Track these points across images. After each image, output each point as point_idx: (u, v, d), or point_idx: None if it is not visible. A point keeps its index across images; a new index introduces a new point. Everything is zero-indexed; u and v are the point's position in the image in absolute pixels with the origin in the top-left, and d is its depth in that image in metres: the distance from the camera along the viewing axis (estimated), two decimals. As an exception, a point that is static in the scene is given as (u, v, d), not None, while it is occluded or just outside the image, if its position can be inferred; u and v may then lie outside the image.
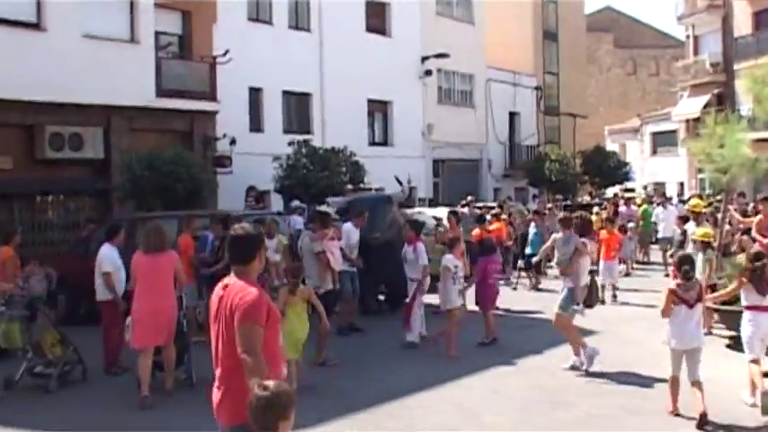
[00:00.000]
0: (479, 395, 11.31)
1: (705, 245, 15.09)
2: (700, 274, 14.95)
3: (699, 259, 15.17)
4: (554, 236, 14.18)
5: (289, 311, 11.29)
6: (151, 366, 11.43)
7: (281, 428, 4.65)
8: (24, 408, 11.17)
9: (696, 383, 9.84)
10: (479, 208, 25.81)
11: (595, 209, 28.49)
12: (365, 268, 16.80)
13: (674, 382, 10.08)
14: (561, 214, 16.53)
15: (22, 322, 12.62)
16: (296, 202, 22.83)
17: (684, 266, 10.12)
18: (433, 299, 15.73)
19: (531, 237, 22.78)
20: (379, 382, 12.19)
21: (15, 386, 11.96)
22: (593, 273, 13.58)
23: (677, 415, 9.95)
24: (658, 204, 28.12)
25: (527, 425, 9.87)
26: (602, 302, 17.12)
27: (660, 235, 25.99)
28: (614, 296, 19.47)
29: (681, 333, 9.92)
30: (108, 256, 13.22)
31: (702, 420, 9.50)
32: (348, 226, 16.84)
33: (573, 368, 12.51)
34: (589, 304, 13.25)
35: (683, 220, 19.50)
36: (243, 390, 5.27)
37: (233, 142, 28.09)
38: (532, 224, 23.48)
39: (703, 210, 19.31)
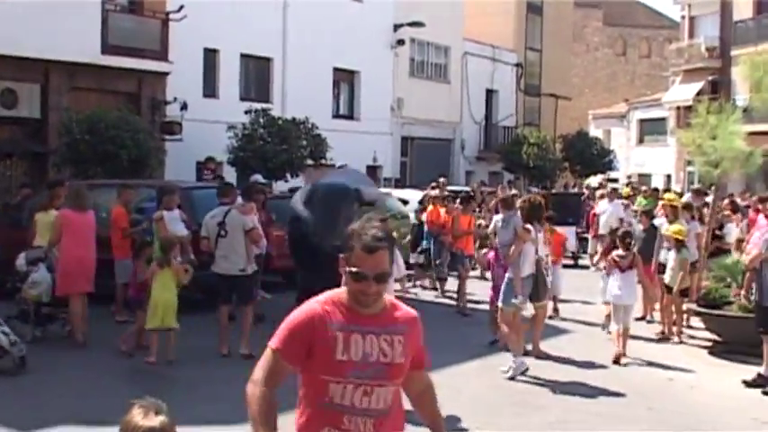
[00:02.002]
0: (446, 394, 11.26)
1: (679, 243, 15.12)
2: (669, 275, 15.08)
3: (671, 258, 15.24)
4: (495, 218, 14.39)
5: (155, 283, 12.60)
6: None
7: None
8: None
9: (626, 331, 13.50)
10: (452, 192, 25.55)
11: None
12: (306, 280, 14.73)
13: (620, 333, 13.37)
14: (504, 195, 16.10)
15: None
16: (257, 177, 22.65)
17: (627, 239, 14.05)
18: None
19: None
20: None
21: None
22: (539, 262, 13.35)
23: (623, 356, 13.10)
24: (602, 197, 26.93)
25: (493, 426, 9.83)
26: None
27: (601, 231, 23.82)
28: (555, 309, 17.27)
29: (617, 290, 13.49)
30: None
31: (618, 359, 13.05)
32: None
33: (511, 377, 12.16)
34: (536, 298, 13.39)
35: (648, 215, 18.82)
36: None
37: (184, 107, 27.82)
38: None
39: (678, 205, 19.16)
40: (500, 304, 12.76)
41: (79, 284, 13.49)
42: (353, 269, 4.37)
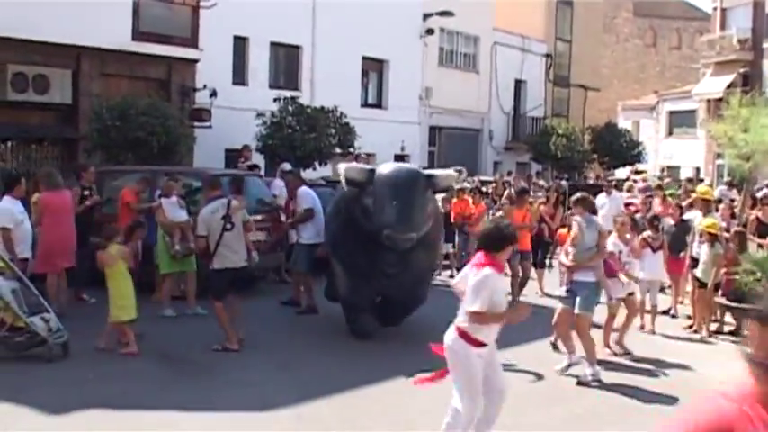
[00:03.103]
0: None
1: (712, 237, 15.06)
2: (702, 269, 15.04)
3: (703, 252, 15.20)
4: (577, 220, 12.62)
5: (111, 272, 12.57)
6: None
7: None
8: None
9: (653, 307, 15.32)
10: (482, 183, 25.44)
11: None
12: (351, 285, 14.00)
13: (643, 305, 14.96)
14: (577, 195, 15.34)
15: None
16: (286, 165, 22.71)
17: (655, 222, 15.83)
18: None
19: None
20: (359, 366, 12.27)
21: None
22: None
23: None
24: (630, 189, 26.37)
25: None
26: None
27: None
28: None
29: (647, 268, 15.06)
30: (6, 210, 13.73)
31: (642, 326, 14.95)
32: (305, 189, 16.71)
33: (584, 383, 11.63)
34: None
35: (680, 208, 18.35)
36: None
37: (213, 94, 27.85)
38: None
39: (712, 198, 18.93)
40: (579, 311, 11.78)
41: (60, 262, 14.55)
42: None
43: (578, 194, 12.84)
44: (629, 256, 13.68)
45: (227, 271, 12.95)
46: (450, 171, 14.17)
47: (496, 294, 8.04)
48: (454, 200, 20.62)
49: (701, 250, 15.34)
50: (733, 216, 18.11)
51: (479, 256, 8.19)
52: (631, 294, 13.74)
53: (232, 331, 12.82)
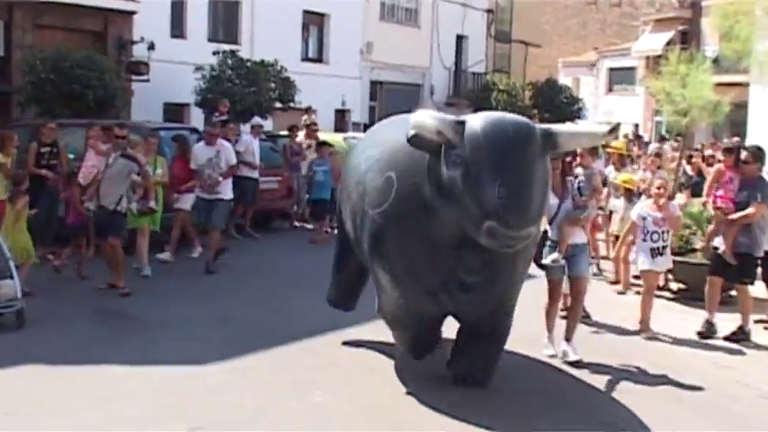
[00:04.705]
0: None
1: (629, 192, 15.15)
2: (619, 224, 15.08)
3: (620, 207, 15.29)
4: (580, 173, 11.97)
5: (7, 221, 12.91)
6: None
7: None
8: None
9: None
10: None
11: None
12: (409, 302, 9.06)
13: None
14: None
15: None
16: (256, 120, 22.60)
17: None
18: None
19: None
20: (302, 314, 12.39)
21: None
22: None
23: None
24: None
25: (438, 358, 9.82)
26: None
27: None
28: None
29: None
30: None
31: None
32: (198, 147, 16.45)
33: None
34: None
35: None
36: None
37: (151, 47, 27.77)
38: None
39: (626, 153, 18.96)
40: (585, 274, 11.25)
41: None
42: None
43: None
44: None
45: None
46: (588, 126, 9.88)
47: None
48: None
49: (618, 204, 15.45)
50: (660, 167, 18.22)
51: None
52: None
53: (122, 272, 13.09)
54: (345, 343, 11.02)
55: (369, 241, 8.94)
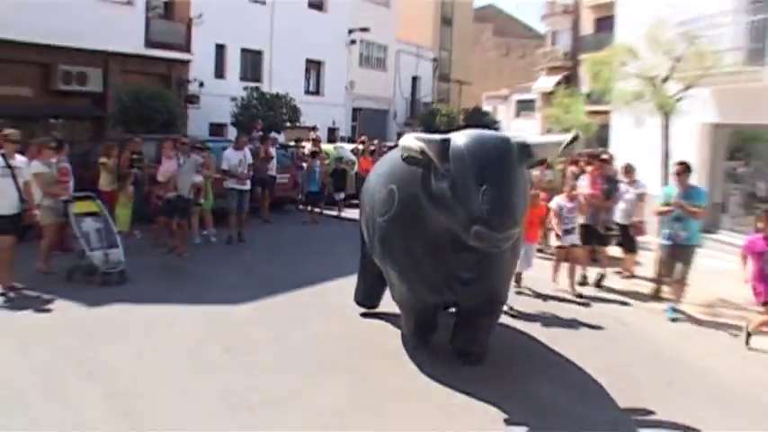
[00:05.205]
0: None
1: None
2: None
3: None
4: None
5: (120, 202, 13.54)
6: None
7: None
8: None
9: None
10: (384, 147, 25.50)
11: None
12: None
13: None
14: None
15: None
16: (273, 135, 22.46)
17: None
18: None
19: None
20: (304, 270, 12.32)
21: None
22: None
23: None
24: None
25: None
26: None
27: None
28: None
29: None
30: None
31: None
32: (228, 152, 15.46)
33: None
34: None
35: None
36: None
37: (201, 85, 27.94)
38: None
39: None
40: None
41: None
42: None
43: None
44: None
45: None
46: (556, 137, 7.81)
47: None
48: (362, 158, 20.97)
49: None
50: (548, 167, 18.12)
51: None
52: None
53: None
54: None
55: (378, 244, 7.85)
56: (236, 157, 15.23)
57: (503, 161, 6.49)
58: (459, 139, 6.73)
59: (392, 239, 7.54)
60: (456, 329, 8.04)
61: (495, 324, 8.07)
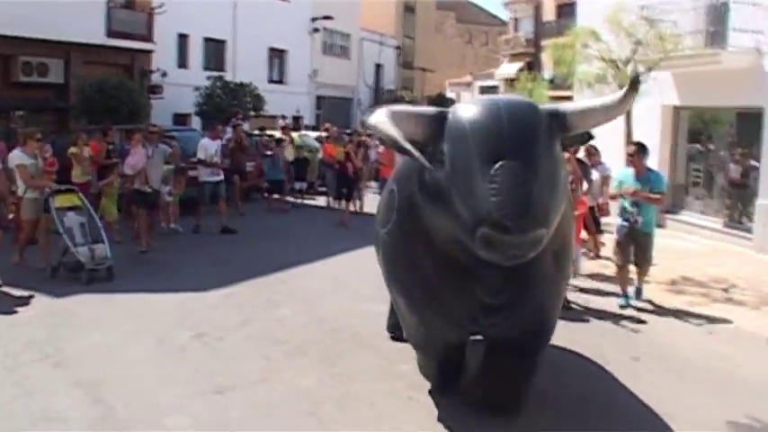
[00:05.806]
0: (346, 269, 11.57)
1: None
2: None
3: None
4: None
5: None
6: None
7: None
8: None
9: None
10: (348, 134, 25.34)
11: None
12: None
13: None
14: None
15: None
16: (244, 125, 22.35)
17: None
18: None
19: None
20: (273, 257, 12.35)
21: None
22: None
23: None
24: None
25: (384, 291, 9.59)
26: None
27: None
28: None
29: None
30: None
31: None
32: (205, 141, 15.07)
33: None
34: None
35: None
36: None
37: (164, 75, 27.65)
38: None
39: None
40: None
41: None
42: None
43: None
44: None
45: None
46: (600, 99, 4.92)
47: None
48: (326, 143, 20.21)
49: None
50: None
51: None
52: None
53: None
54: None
55: (382, 263, 5.98)
56: (212, 147, 14.89)
57: (521, 135, 4.45)
58: (462, 110, 4.74)
59: (396, 256, 5.59)
60: (482, 371, 5.80)
61: (536, 368, 5.75)
